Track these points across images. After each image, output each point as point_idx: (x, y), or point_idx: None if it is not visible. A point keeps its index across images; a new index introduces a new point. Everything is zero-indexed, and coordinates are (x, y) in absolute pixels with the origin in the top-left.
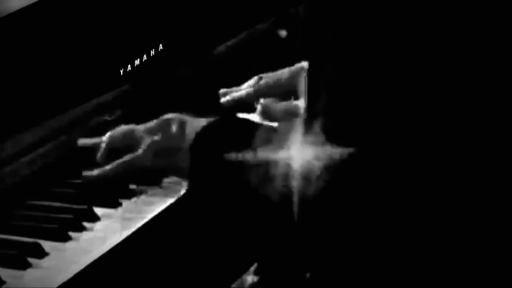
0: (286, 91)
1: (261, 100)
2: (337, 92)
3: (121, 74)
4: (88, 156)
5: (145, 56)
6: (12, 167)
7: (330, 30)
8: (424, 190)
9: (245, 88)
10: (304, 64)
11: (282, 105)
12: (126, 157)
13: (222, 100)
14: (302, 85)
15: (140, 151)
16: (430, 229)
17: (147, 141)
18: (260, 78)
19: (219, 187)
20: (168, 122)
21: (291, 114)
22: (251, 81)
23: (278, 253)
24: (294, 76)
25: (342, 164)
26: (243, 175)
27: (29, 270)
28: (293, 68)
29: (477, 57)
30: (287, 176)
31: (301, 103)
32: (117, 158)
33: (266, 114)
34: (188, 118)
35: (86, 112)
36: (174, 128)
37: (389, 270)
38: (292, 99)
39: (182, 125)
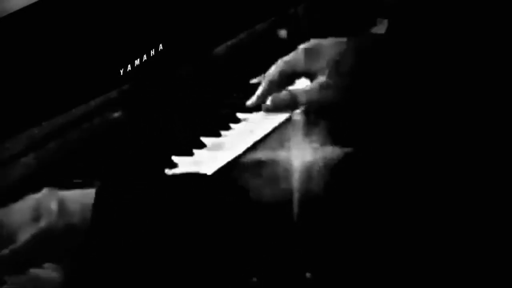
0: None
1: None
2: (337, 92)
3: (121, 74)
4: (88, 156)
5: (145, 56)
6: (12, 166)
7: (329, 30)
8: (425, 190)
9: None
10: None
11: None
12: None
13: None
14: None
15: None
16: (430, 229)
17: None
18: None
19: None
20: (45, 202)
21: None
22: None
23: (278, 253)
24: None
25: (343, 164)
26: (243, 175)
27: None
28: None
29: (477, 57)
30: (287, 176)
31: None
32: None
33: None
34: (66, 194)
35: (86, 112)
36: (53, 208)
37: (389, 270)
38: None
39: (61, 203)
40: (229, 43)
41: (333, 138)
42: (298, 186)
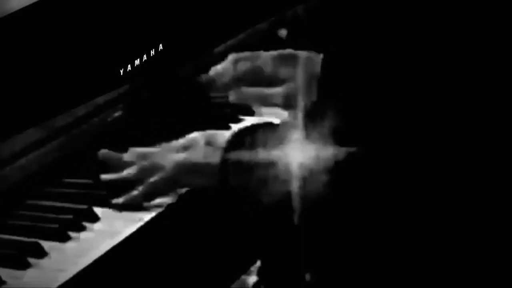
0: (266, 79)
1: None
2: (337, 92)
3: (121, 74)
4: (88, 157)
5: (145, 56)
6: (12, 166)
7: (329, 30)
8: (425, 190)
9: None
10: (290, 50)
11: (254, 90)
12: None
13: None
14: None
15: (164, 171)
16: (431, 230)
17: (171, 160)
18: (237, 62)
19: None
20: (195, 140)
21: (266, 101)
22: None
23: (278, 254)
24: (276, 64)
25: (343, 165)
26: (243, 175)
27: (29, 270)
28: (275, 53)
29: (477, 57)
30: (287, 176)
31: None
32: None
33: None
34: (208, 134)
35: (86, 112)
36: (201, 146)
37: (389, 271)
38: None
39: (208, 143)
40: (229, 43)
41: (333, 138)
42: (298, 186)
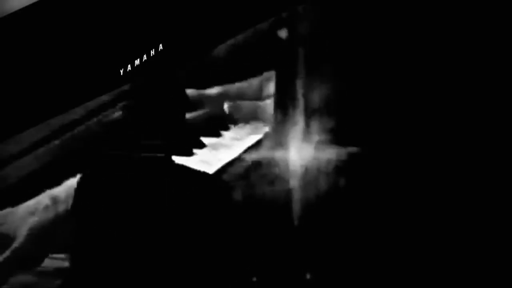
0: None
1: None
2: (336, 92)
3: (121, 74)
4: (89, 157)
5: (145, 56)
6: (12, 166)
7: (329, 30)
8: (425, 191)
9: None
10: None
11: (248, 104)
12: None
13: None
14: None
15: (20, 239)
16: (430, 230)
17: (26, 225)
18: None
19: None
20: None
21: (258, 113)
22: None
23: (278, 253)
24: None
25: (343, 164)
26: (244, 175)
27: None
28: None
29: (477, 58)
30: (287, 176)
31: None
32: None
33: (234, 112)
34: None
35: (86, 112)
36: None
37: (389, 270)
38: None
39: (54, 201)
40: (229, 43)
41: (333, 138)
42: (298, 186)
